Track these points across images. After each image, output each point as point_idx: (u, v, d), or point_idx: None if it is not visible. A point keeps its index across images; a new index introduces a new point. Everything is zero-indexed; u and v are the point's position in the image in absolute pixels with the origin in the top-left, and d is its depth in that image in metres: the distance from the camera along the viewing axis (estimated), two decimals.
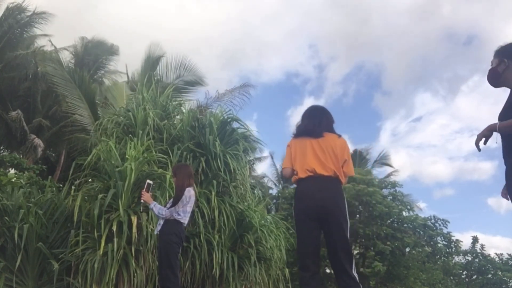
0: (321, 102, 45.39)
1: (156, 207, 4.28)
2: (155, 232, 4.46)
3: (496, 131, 2.21)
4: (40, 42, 14.50)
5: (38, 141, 11.74)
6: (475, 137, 2.43)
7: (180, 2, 42.88)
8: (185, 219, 4.21)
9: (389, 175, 19.97)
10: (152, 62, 13.28)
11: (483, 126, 2.34)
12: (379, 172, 20.68)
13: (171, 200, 4.38)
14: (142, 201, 4.44)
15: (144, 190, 4.40)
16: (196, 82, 13.39)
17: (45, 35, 14.29)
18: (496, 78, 2.51)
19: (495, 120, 2.34)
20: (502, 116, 2.32)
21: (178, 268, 4.20)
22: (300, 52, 44.52)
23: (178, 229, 4.15)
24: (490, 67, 2.53)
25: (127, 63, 14.67)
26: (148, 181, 4.51)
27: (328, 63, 45.25)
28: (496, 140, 2.23)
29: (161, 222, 4.24)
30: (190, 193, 4.23)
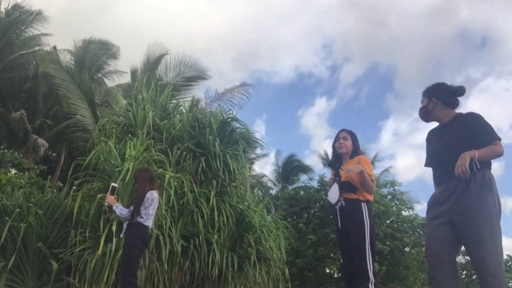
0: (332, 104, 45.52)
1: (118, 208, 4.37)
2: (121, 236, 4.51)
3: (474, 158, 2.52)
4: (41, 42, 14.54)
5: (41, 141, 11.75)
6: None
7: (193, 3, 42.95)
8: (148, 222, 4.25)
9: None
10: (152, 61, 13.27)
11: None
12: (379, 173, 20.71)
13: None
14: (106, 203, 4.59)
15: (109, 193, 4.49)
16: (198, 77, 13.29)
17: (45, 34, 14.33)
18: (426, 116, 2.93)
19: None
20: (457, 145, 2.64)
21: (136, 269, 4.30)
22: (314, 53, 44.59)
23: (142, 232, 4.21)
24: (421, 105, 2.94)
25: (135, 64, 14.60)
26: (112, 184, 4.60)
27: (341, 64, 45.32)
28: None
29: (125, 225, 4.31)
30: (153, 195, 4.29)
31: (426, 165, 3.07)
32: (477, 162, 2.55)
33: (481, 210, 2.51)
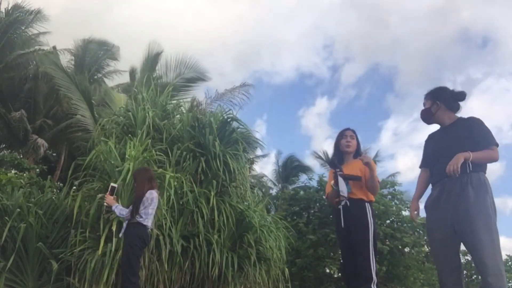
0: (333, 104, 45.56)
1: (118, 208, 4.38)
2: (120, 235, 4.51)
3: (468, 160, 2.61)
4: (41, 42, 14.53)
5: (41, 141, 11.76)
6: None
7: (194, 4, 42.97)
8: (147, 221, 4.25)
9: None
10: (151, 60, 13.27)
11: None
12: (381, 173, 20.71)
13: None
14: (105, 204, 4.55)
15: (108, 193, 4.48)
16: (198, 78, 13.31)
17: (45, 32, 14.33)
18: (429, 117, 3.00)
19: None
20: (457, 146, 2.70)
21: (138, 269, 4.30)
22: (315, 53, 44.62)
23: (141, 231, 4.21)
24: (423, 108, 3.02)
25: (134, 64, 14.60)
26: (112, 184, 4.59)
27: (342, 64, 45.36)
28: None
29: (125, 225, 4.30)
30: (152, 195, 4.29)
31: (421, 166, 3.14)
32: (470, 164, 2.63)
33: (479, 212, 2.58)
